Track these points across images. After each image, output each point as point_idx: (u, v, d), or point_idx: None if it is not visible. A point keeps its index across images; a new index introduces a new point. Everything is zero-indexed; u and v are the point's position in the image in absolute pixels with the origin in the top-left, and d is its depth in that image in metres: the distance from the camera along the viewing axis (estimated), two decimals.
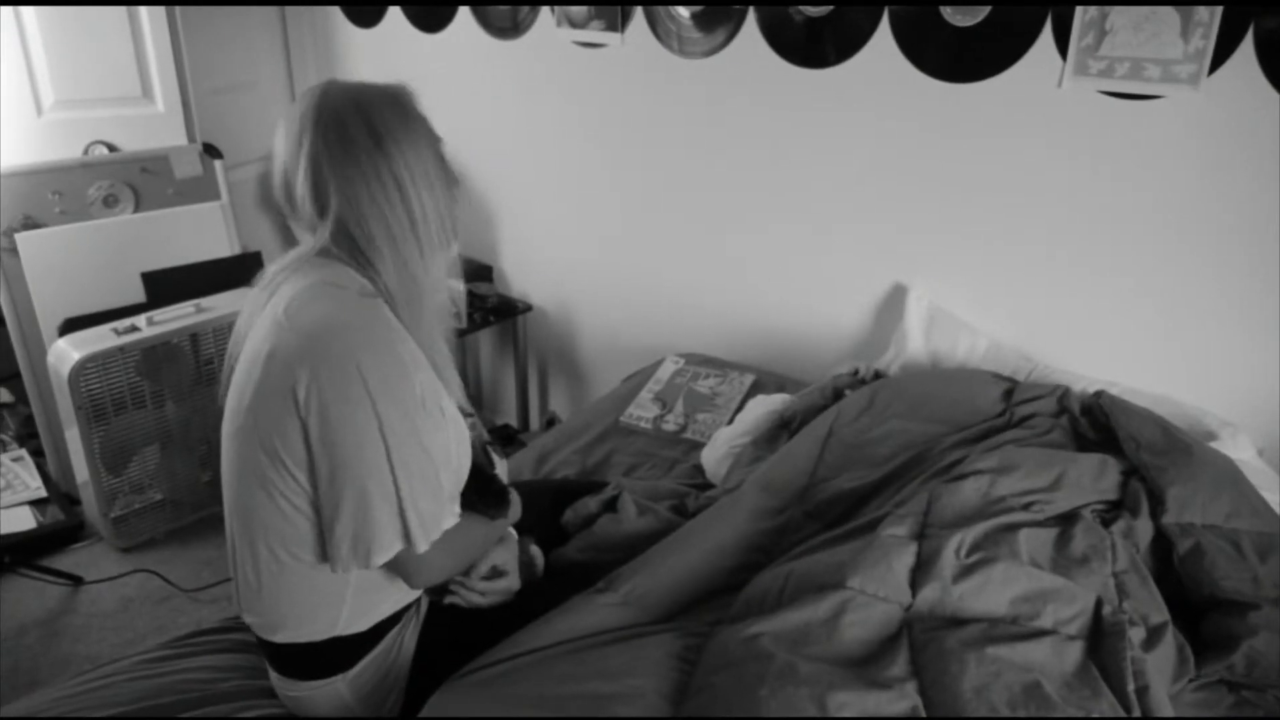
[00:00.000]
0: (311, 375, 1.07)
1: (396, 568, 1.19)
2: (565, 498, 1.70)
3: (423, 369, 1.17)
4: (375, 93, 1.17)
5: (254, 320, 1.19)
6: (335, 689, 1.26)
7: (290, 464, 1.11)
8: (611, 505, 1.66)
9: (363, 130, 1.13)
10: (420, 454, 1.13)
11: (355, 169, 1.12)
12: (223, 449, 1.21)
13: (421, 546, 1.14)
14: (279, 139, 1.17)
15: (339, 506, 1.10)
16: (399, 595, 1.27)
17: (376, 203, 1.14)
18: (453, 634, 1.33)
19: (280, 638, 1.23)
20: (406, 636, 1.31)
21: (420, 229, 1.17)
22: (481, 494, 1.31)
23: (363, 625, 1.24)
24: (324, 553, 1.15)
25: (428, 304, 1.19)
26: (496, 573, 1.38)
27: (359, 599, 1.22)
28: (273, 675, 1.32)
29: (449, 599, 1.35)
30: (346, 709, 1.28)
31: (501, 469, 1.40)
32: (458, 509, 1.23)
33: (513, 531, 1.44)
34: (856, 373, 2.05)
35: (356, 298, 1.14)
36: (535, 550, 1.49)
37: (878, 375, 2.03)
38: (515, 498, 1.39)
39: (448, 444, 1.20)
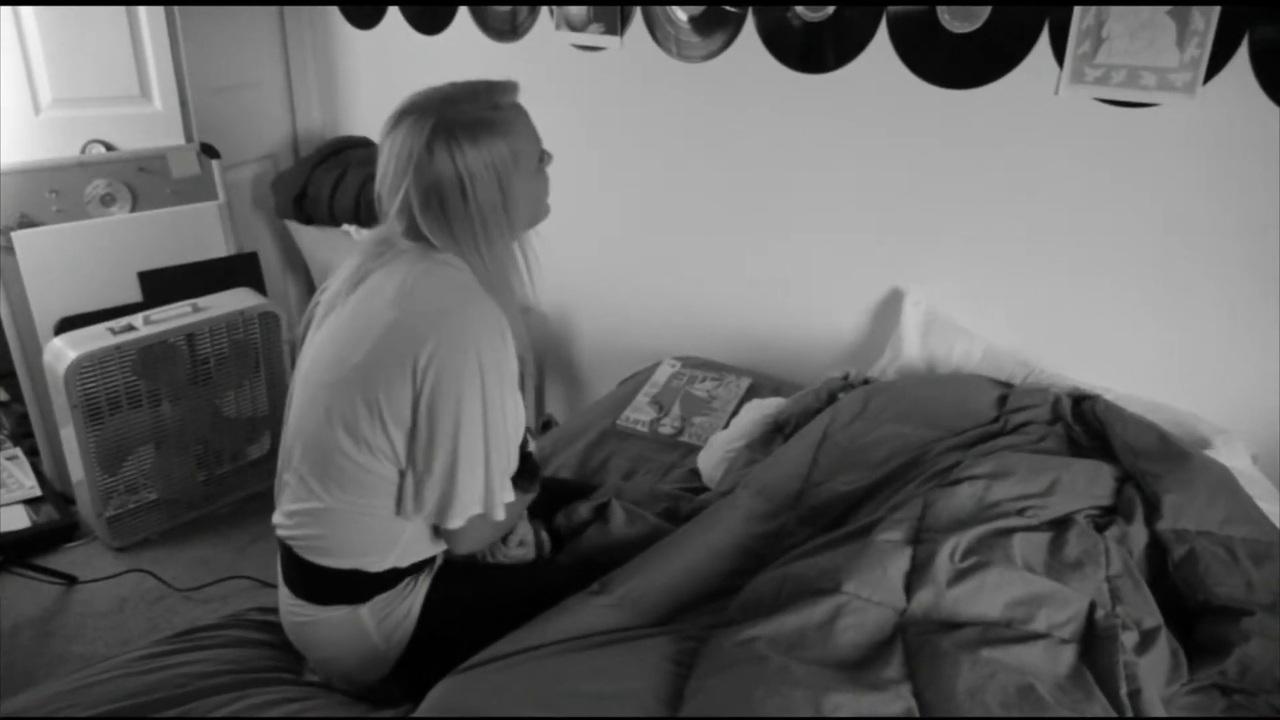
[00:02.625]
0: (435, 349, 1.21)
1: (449, 532, 1.32)
2: (562, 497, 1.71)
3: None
4: (471, 118, 1.25)
5: (352, 287, 1.31)
6: (355, 612, 1.34)
7: (390, 422, 1.23)
8: (602, 512, 1.66)
9: (454, 181, 1.23)
10: (507, 434, 1.29)
11: (444, 212, 1.25)
12: (302, 393, 1.33)
13: (498, 515, 1.30)
14: (382, 159, 1.27)
15: (431, 468, 1.24)
16: (437, 546, 1.39)
17: (462, 233, 1.27)
18: (453, 592, 1.42)
19: (329, 563, 1.32)
20: (420, 579, 1.40)
21: (498, 243, 1.30)
22: (519, 467, 1.40)
23: (404, 565, 1.36)
24: (396, 505, 1.28)
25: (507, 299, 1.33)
26: (521, 542, 1.52)
27: (408, 550, 1.34)
28: (285, 599, 1.40)
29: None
30: (360, 635, 1.35)
31: (533, 445, 1.50)
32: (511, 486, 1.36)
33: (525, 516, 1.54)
34: (847, 377, 2.06)
35: (474, 283, 1.27)
36: (544, 534, 1.58)
37: (866, 382, 2.03)
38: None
39: (520, 425, 1.35)
